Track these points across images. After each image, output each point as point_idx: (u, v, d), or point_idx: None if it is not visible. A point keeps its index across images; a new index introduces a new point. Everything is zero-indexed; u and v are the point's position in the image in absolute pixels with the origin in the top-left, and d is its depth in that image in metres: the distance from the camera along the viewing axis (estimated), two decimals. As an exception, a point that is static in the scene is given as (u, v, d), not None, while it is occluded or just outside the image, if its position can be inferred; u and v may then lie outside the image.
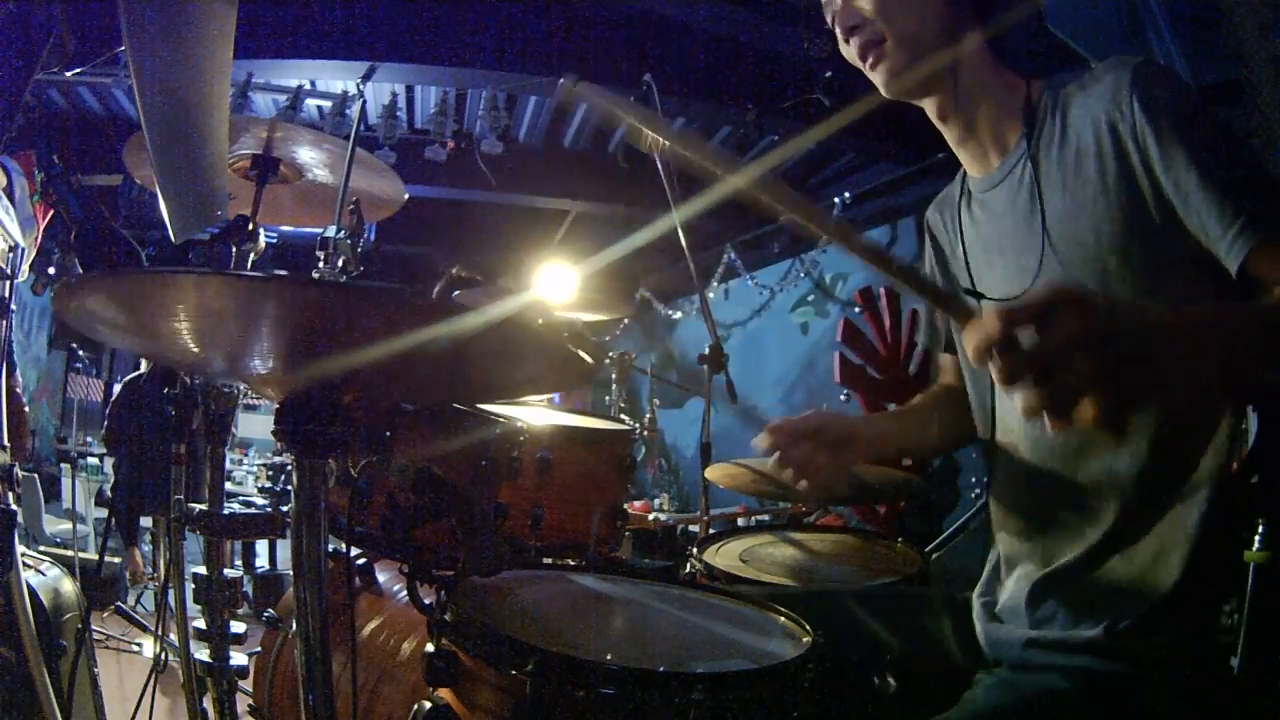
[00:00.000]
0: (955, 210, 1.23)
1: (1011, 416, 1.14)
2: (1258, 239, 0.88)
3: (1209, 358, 0.76)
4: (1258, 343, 0.80)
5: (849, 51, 1.11)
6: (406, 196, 2.17)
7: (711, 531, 2.33)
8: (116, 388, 3.99)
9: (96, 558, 3.27)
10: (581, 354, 0.81)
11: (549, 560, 1.35)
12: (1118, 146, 0.98)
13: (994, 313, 0.67)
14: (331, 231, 1.84)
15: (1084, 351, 0.65)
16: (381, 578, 1.57)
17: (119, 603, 3.93)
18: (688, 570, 1.67)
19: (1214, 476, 0.98)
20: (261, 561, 4.66)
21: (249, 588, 4.35)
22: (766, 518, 3.96)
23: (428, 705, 0.90)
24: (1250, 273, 0.88)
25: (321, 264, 1.83)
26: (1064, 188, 1.03)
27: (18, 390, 3.77)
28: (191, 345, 0.86)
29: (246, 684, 1.73)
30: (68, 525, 5.35)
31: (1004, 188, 1.12)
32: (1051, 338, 0.66)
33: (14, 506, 1.82)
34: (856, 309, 4.72)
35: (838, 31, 1.11)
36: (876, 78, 1.10)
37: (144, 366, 4.08)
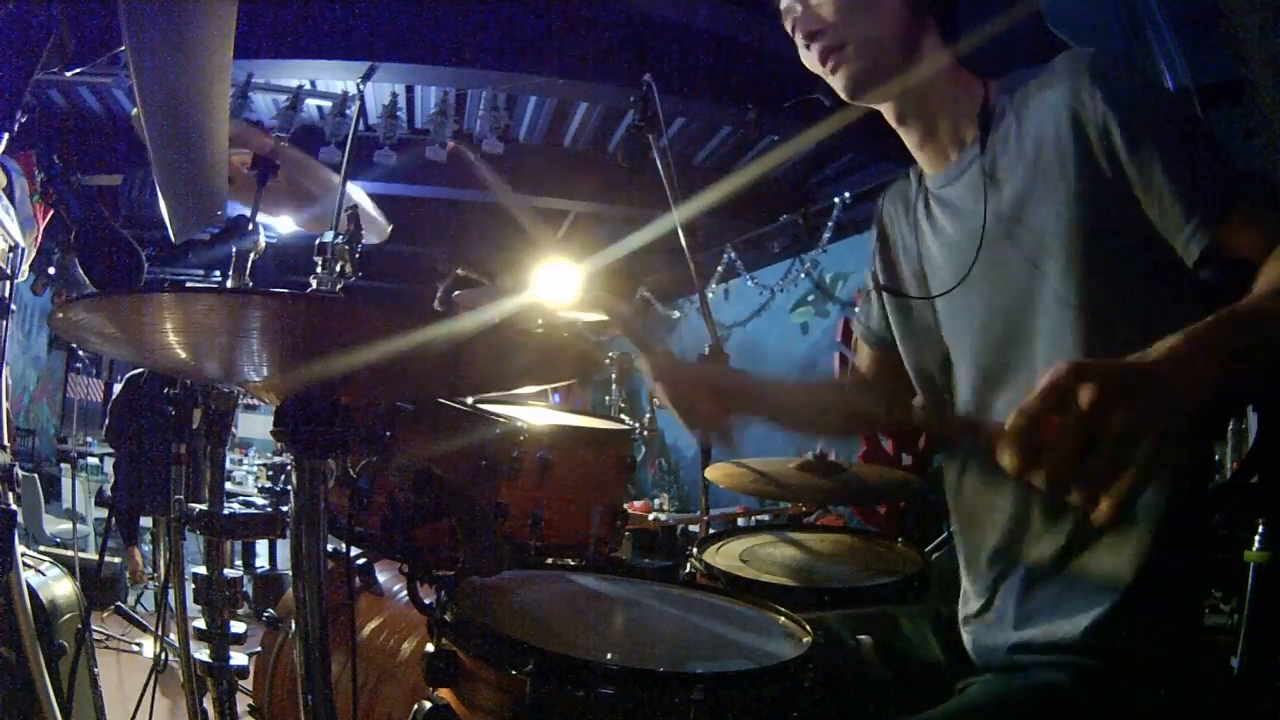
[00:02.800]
0: (912, 208, 1.22)
1: (971, 415, 1.13)
2: (1212, 229, 0.89)
3: (1216, 372, 0.75)
4: (1259, 337, 0.79)
5: (809, 58, 1.14)
6: (390, 231, 2.17)
7: (711, 531, 2.33)
8: (116, 387, 3.99)
9: (96, 558, 3.27)
10: (574, 341, 0.81)
11: (549, 560, 1.35)
12: (1078, 132, 0.98)
13: (1019, 419, 0.67)
14: (329, 237, 1.85)
15: (1113, 412, 0.66)
16: (381, 578, 1.57)
17: (119, 603, 3.92)
18: (688, 570, 1.66)
19: (1187, 461, 0.96)
20: (261, 561, 4.66)
21: (249, 588, 4.35)
22: (766, 518, 3.96)
23: (428, 705, 0.90)
24: (1223, 252, 0.90)
25: (319, 269, 1.83)
26: (1024, 175, 1.04)
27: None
28: (184, 356, 0.87)
29: (246, 684, 1.73)
30: (68, 525, 5.35)
31: (962, 182, 1.12)
32: (1077, 413, 0.66)
33: (14, 506, 1.81)
34: (856, 309, 4.71)
35: (798, 38, 1.13)
36: (837, 82, 1.12)
37: (144, 366, 4.08)
